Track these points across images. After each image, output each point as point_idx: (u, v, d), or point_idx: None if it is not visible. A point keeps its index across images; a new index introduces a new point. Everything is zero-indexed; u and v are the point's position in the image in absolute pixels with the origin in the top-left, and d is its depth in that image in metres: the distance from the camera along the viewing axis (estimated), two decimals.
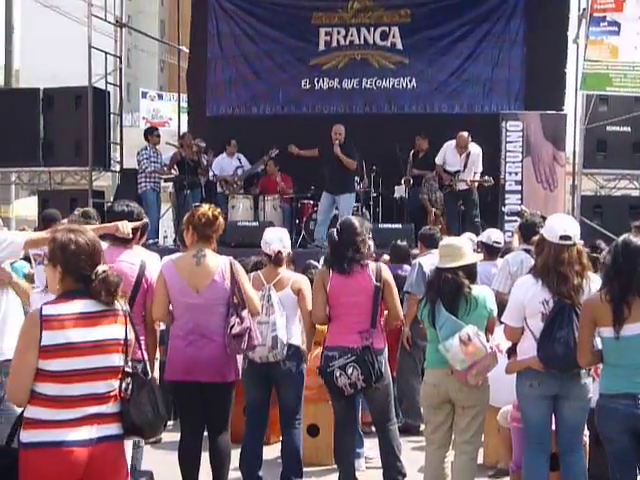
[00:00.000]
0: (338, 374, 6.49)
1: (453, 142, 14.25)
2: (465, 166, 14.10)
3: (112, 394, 4.11)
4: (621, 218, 13.13)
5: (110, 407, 4.10)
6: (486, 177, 14.21)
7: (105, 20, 16.78)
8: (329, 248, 6.88)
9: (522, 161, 14.95)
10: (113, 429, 4.10)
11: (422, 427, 8.23)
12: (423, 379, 6.46)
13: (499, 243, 9.25)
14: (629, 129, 13.93)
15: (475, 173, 14.19)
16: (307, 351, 7.03)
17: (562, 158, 15.20)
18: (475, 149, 14.24)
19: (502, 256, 9.00)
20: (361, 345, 6.50)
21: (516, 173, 15.00)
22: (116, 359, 4.10)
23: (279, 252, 6.92)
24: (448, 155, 14.28)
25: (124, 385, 4.11)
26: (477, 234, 11.54)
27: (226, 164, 15.85)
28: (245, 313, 6.07)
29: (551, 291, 5.60)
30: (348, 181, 14.25)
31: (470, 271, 6.20)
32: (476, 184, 14.16)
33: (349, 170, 14.13)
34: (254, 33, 17.86)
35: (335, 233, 6.72)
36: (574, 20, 16.23)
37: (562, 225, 5.76)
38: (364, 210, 15.23)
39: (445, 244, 6.38)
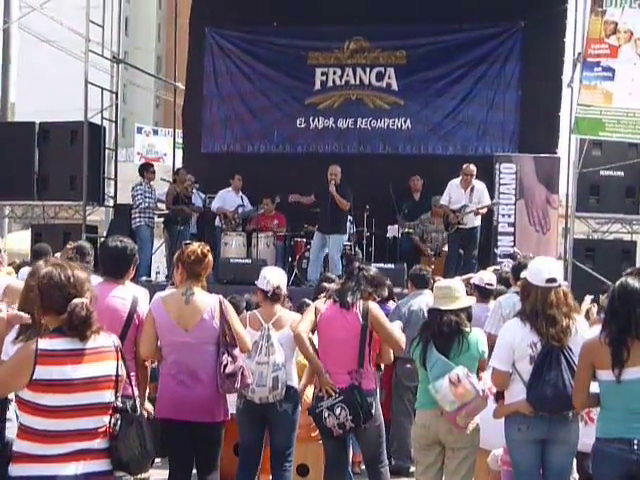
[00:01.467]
0: (326, 414, 6.48)
1: (456, 180, 14.28)
2: (471, 200, 14.13)
3: (101, 430, 4.10)
4: (614, 262, 13.19)
5: (99, 443, 4.09)
6: (492, 201, 14.29)
7: (102, 56, 16.85)
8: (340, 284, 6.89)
9: (515, 203, 15.02)
10: (101, 465, 4.09)
11: (412, 469, 8.22)
12: (415, 420, 6.45)
13: (491, 285, 9.25)
14: (622, 174, 13.99)
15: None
16: (303, 391, 7.02)
17: (555, 201, 15.25)
18: (479, 184, 14.28)
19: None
20: (349, 385, 6.50)
21: (509, 215, 15.05)
22: (107, 395, 4.09)
23: (278, 287, 6.90)
24: (452, 193, 14.26)
25: (113, 421, 4.11)
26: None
27: (230, 199, 15.82)
28: (237, 352, 6.06)
29: (539, 334, 5.59)
30: (340, 222, 14.24)
31: (468, 313, 6.23)
32: (479, 218, 14.22)
33: (342, 211, 14.14)
34: (250, 71, 17.99)
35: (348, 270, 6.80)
36: (569, 64, 16.36)
37: (547, 268, 5.78)
38: (357, 250, 15.25)
39: (442, 286, 6.39)
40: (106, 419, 4.10)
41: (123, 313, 5.95)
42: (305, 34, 17.59)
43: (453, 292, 6.27)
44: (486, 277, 9.33)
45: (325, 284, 10.19)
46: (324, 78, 17.69)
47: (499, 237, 15.01)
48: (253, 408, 6.70)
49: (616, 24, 13.05)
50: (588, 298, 9.59)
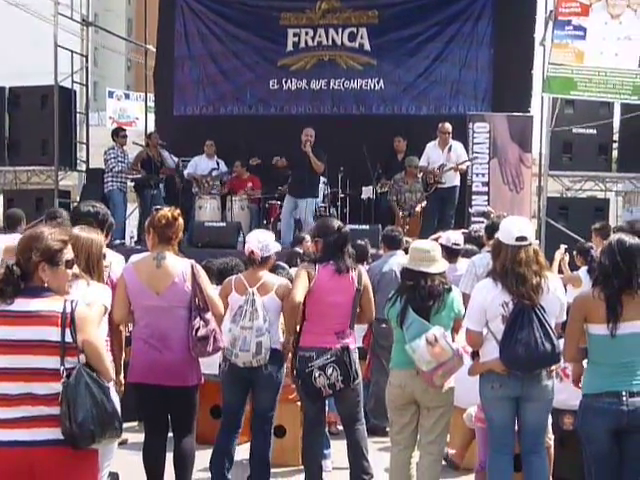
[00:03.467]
0: (317, 374, 6.49)
1: (434, 142, 14.35)
2: (449, 160, 14.17)
3: (52, 397, 4.01)
4: (586, 220, 13.17)
5: (52, 409, 4.01)
6: (470, 156, 14.37)
7: (72, 19, 16.65)
8: (323, 246, 6.83)
9: (489, 162, 15.01)
10: (56, 433, 4.01)
11: (388, 428, 8.28)
12: (388, 380, 6.48)
13: (458, 245, 9.30)
14: (595, 132, 14.01)
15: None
16: (287, 353, 7.01)
17: (528, 160, 15.28)
18: (456, 144, 14.36)
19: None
20: (339, 345, 6.53)
21: (483, 174, 15.05)
22: (49, 361, 3.98)
23: (252, 252, 6.87)
24: (431, 154, 14.33)
25: (62, 387, 3.99)
26: None
27: (202, 164, 15.76)
28: (209, 315, 6.05)
29: (510, 293, 5.62)
30: (314, 185, 14.24)
31: (446, 276, 6.28)
32: (459, 174, 14.31)
33: (316, 174, 14.11)
34: (222, 33, 17.86)
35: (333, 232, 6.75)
36: (541, 22, 16.34)
37: (517, 226, 5.81)
38: (331, 211, 15.25)
39: (420, 248, 6.34)
40: (57, 386, 4.00)
41: None
42: None
43: (433, 254, 6.26)
44: (453, 237, 9.38)
45: (297, 248, 10.23)
46: (296, 39, 17.59)
47: (473, 196, 15.00)
48: (237, 371, 6.70)
49: None
50: (562, 247, 9.67)
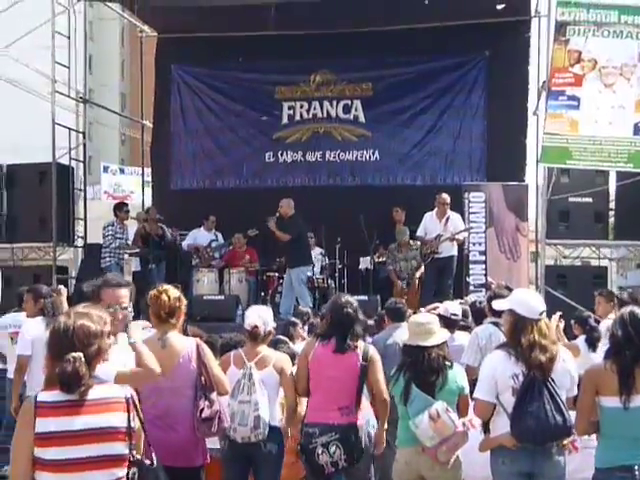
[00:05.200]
0: (320, 451, 6.43)
1: (431, 212, 14.44)
2: (446, 230, 14.27)
3: None
4: (585, 288, 13.22)
5: None
6: (466, 226, 14.44)
7: (69, 96, 16.76)
8: (329, 321, 6.81)
9: (485, 232, 15.05)
10: None
11: None
12: (395, 457, 6.42)
13: (457, 315, 9.23)
14: (591, 200, 14.10)
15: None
16: (286, 430, 6.96)
17: (525, 228, 15.31)
18: (454, 215, 14.46)
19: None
20: (345, 423, 6.47)
21: (480, 244, 15.09)
22: (117, 447, 4.01)
23: (256, 326, 6.86)
24: (428, 224, 14.43)
25: (130, 474, 4.03)
26: None
27: (201, 236, 15.90)
28: (214, 396, 6.00)
29: (527, 365, 5.57)
30: (294, 254, 14.23)
31: (446, 348, 6.26)
32: (456, 245, 14.36)
33: (291, 242, 14.11)
34: (217, 107, 18.06)
35: (333, 309, 6.71)
36: (534, 92, 16.53)
37: (538, 301, 5.82)
38: (329, 282, 15.25)
39: (418, 322, 6.37)
40: (119, 472, 4.02)
41: None
42: (271, 68, 17.66)
43: (431, 327, 6.29)
44: (451, 307, 9.32)
45: (293, 318, 10.18)
46: (291, 112, 17.80)
47: (471, 266, 15.04)
48: (236, 448, 6.64)
49: (580, 53, 13.16)
50: (557, 314, 9.62)
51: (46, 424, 3.91)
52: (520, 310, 5.70)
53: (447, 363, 6.21)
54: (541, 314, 5.72)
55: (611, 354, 5.26)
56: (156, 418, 5.93)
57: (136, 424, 4.08)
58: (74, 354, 4.00)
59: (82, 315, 4.17)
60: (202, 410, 5.91)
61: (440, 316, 8.59)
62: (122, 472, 4.02)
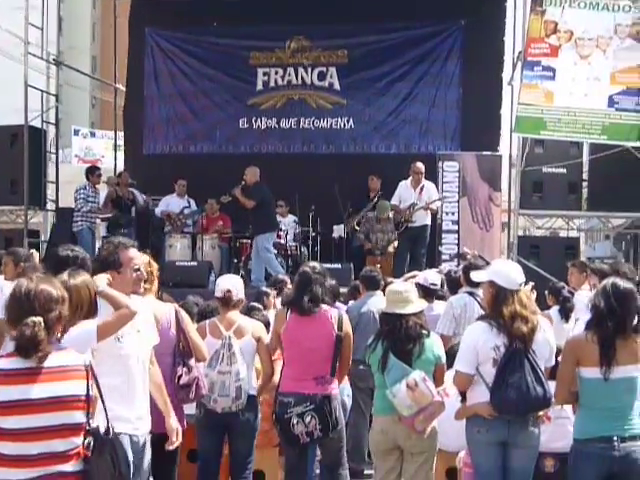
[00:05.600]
0: (295, 421, 6.43)
1: (406, 181, 14.43)
2: (420, 199, 14.28)
3: (72, 452, 3.97)
4: (558, 258, 13.30)
5: (72, 465, 3.97)
6: (440, 196, 14.43)
7: (42, 59, 16.55)
8: (294, 287, 6.86)
9: (458, 201, 15.08)
10: None
11: (366, 471, 8.21)
12: (371, 425, 6.44)
13: (436, 285, 9.22)
14: (565, 171, 14.12)
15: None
16: (260, 398, 6.97)
17: (498, 198, 15.35)
18: (429, 184, 14.48)
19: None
20: (319, 393, 6.47)
21: (453, 213, 15.12)
22: (76, 416, 3.96)
23: (228, 290, 6.85)
24: (403, 193, 14.44)
25: (85, 443, 3.98)
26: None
27: (174, 203, 15.81)
28: (192, 362, 5.99)
29: (510, 335, 5.58)
30: (257, 221, 14.21)
31: (423, 317, 6.27)
32: (429, 214, 14.44)
33: (255, 209, 14.08)
34: (191, 72, 17.91)
35: (300, 274, 6.74)
36: (509, 62, 16.54)
37: (517, 272, 5.82)
38: (302, 249, 15.24)
39: (396, 290, 6.38)
40: (77, 440, 3.98)
41: None
42: (246, 34, 17.50)
43: (408, 295, 6.29)
44: (430, 277, 9.32)
45: (264, 288, 10.16)
46: (266, 78, 17.70)
47: (443, 235, 15.07)
48: (214, 417, 6.63)
49: (556, 24, 13.16)
50: (529, 285, 9.67)
51: (5, 392, 3.84)
52: (500, 281, 5.71)
53: (424, 332, 6.22)
54: (520, 285, 5.74)
55: (592, 325, 5.29)
56: None
57: (94, 392, 4.03)
58: (33, 318, 3.93)
59: (44, 280, 4.11)
60: (180, 376, 5.90)
61: (419, 285, 8.65)
62: (80, 440, 3.98)
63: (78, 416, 3.97)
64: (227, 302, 6.87)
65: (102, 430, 4.08)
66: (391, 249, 14.45)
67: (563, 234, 16.80)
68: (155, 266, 6.19)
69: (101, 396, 4.14)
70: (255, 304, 9.03)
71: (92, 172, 15.29)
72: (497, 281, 5.73)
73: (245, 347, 6.73)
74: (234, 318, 6.85)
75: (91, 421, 4.02)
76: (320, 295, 6.61)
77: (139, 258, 5.40)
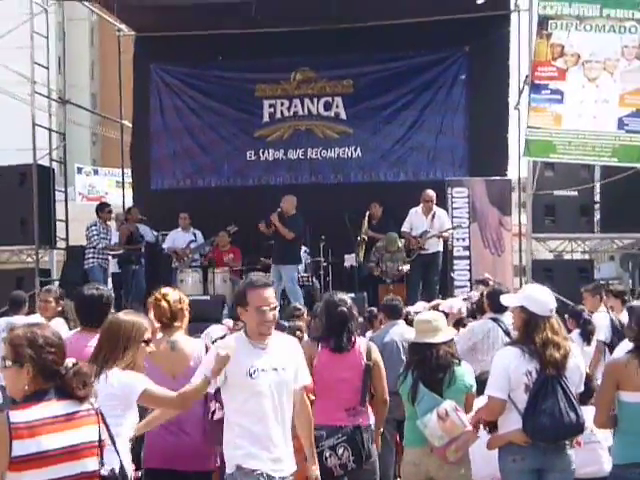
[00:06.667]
0: (328, 454, 6.33)
1: (417, 208, 14.37)
2: (432, 226, 14.23)
3: None
4: (572, 281, 13.27)
5: None
6: (453, 225, 14.41)
7: (48, 97, 16.58)
8: (324, 322, 6.72)
9: (469, 227, 15.06)
10: None
11: None
12: (403, 457, 6.36)
13: (461, 313, 9.20)
14: (576, 193, 14.10)
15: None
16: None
17: (508, 223, 15.35)
18: (440, 211, 14.43)
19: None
20: (351, 424, 6.38)
21: (464, 239, 15.12)
22: (90, 463, 3.83)
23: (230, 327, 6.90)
24: (414, 220, 14.38)
25: None
26: (431, 300, 11.59)
27: (179, 237, 15.75)
28: None
29: (542, 362, 5.52)
30: (289, 252, 14.14)
31: (453, 345, 6.22)
32: (441, 241, 14.39)
33: (290, 241, 14.05)
34: (197, 106, 17.95)
35: (327, 308, 6.63)
36: (514, 87, 16.56)
37: (549, 298, 5.76)
38: (314, 280, 15.19)
39: (424, 319, 6.33)
40: None
41: None
42: (251, 66, 17.60)
43: (437, 324, 6.24)
44: (455, 305, 9.29)
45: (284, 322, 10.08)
46: (272, 110, 17.73)
47: (455, 261, 15.07)
48: None
49: (563, 47, 13.19)
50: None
51: (24, 446, 3.66)
52: (532, 307, 5.65)
53: (455, 360, 6.16)
54: (552, 310, 5.69)
55: (633, 349, 5.24)
56: (168, 422, 5.84)
57: (105, 436, 3.93)
58: (72, 359, 3.90)
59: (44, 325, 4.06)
60: (214, 412, 5.83)
61: (445, 314, 8.58)
62: None
63: (92, 464, 3.85)
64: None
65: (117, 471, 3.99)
66: (398, 271, 14.36)
67: (567, 256, 16.77)
68: (186, 302, 6.15)
69: (111, 438, 4.05)
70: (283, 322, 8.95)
71: (102, 209, 15.28)
72: (529, 307, 5.67)
73: None
74: None
75: (103, 468, 3.89)
76: (354, 330, 6.56)
77: (274, 297, 5.23)
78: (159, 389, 4.85)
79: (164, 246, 15.74)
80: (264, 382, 5.03)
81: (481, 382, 6.14)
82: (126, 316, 5.01)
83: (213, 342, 7.51)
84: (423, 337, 6.18)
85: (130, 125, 18.80)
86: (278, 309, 5.26)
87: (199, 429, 5.87)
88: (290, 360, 5.20)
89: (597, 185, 14.58)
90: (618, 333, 9.99)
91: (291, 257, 14.18)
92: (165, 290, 6.22)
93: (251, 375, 5.00)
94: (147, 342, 4.74)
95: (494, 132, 16.71)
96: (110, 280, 15.76)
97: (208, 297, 14.37)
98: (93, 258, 14.75)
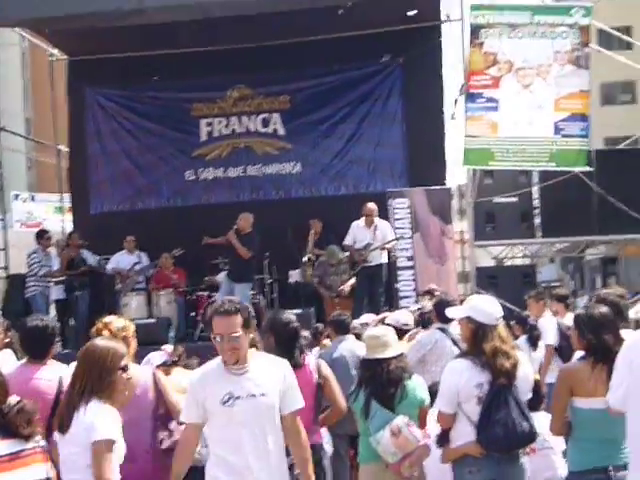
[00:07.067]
0: None
1: (359, 221, 14.37)
2: (375, 238, 14.21)
3: None
4: (516, 287, 13.39)
5: None
6: (396, 236, 14.45)
7: None
8: (275, 342, 6.64)
9: (412, 237, 15.11)
10: None
11: None
12: (358, 473, 6.34)
13: (408, 325, 9.16)
14: (516, 200, 14.22)
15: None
16: None
17: (450, 231, 15.43)
18: (382, 222, 14.44)
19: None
20: None
21: (407, 249, 15.14)
22: None
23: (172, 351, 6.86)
24: (357, 233, 14.36)
25: None
26: (377, 312, 11.63)
27: (124, 260, 15.59)
28: (174, 425, 5.85)
29: (492, 372, 5.53)
30: (245, 270, 14.10)
31: (404, 359, 6.21)
32: (385, 252, 14.36)
33: (245, 259, 14.01)
34: (134, 128, 17.80)
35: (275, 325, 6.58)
36: (449, 96, 16.72)
37: (495, 307, 5.77)
38: (259, 297, 15.13)
39: (373, 335, 6.32)
40: None
41: (50, 395, 5.72)
42: (186, 86, 17.47)
43: (387, 339, 6.24)
44: (402, 318, 9.27)
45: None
46: (210, 129, 17.63)
47: (399, 272, 15.07)
48: (199, 472, 6.48)
49: (495, 55, 13.35)
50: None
51: None
52: (479, 317, 5.65)
53: (406, 375, 6.15)
54: (498, 319, 5.70)
55: (587, 355, 5.27)
56: None
57: (52, 474, 3.88)
58: (15, 397, 3.85)
59: None
60: (162, 441, 5.76)
61: (391, 327, 8.57)
62: None
63: None
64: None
65: None
66: (347, 288, 14.40)
67: (508, 262, 16.94)
68: (131, 329, 6.06)
69: (58, 476, 3.94)
70: None
71: (42, 236, 15.11)
72: (476, 317, 5.67)
73: None
74: (180, 376, 6.84)
75: None
76: (303, 347, 6.53)
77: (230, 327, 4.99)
78: (112, 456, 4.60)
79: (108, 267, 15.57)
80: (239, 410, 4.90)
81: (433, 393, 6.14)
82: (101, 342, 4.80)
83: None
84: (373, 353, 6.18)
85: (67, 149, 18.58)
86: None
87: (149, 457, 5.77)
88: (273, 385, 5.05)
89: (536, 190, 14.69)
90: (566, 336, 10.13)
91: (246, 275, 14.14)
92: (108, 319, 6.12)
93: (225, 402, 4.89)
94: (124, 369, 4.56)
95: (432, 142, 16.75)
96: (53, 307, 15.62)
97: (153, 320, 14.25)
98: (35, 286, 14.60)
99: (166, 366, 6.84)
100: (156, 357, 7.02)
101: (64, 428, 4.29)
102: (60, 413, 4.25)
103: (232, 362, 4.98)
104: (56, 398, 5.74)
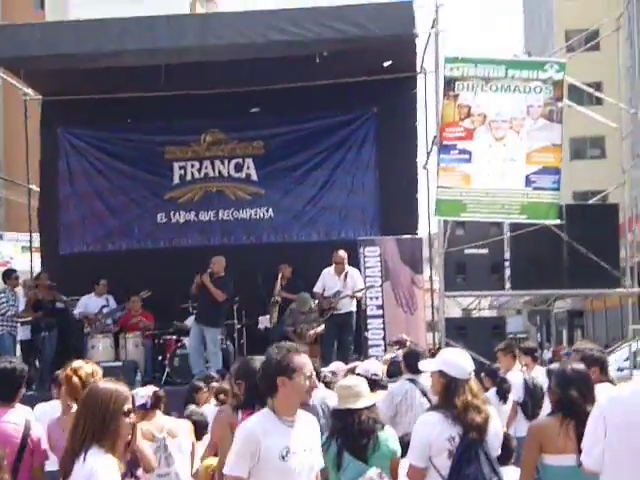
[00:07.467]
0: None
1: (329, 268, 14.39)
2: (345, 286, 14.22)
3: None
4: (485, 338, 13.40)
5: None
6: (367, 285, 14.45)
7: None
8: (246, 389, 6.53)
9: (382, 286, 15.12)
10: None
11: None
12: None
13: (377, 375, 9.11)
14: (486, 251, 14.24)
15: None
16: None
17: (420, 281, 15.47)
18: (353, 270, 14.49)
19: None
20: None
21: (377, 298, 15.17)
22: None
23: (156, 391, 6.75)
24: (327, 281, 14.39)
25: None
26: (346, 360, 11.62)
27: (92, 303, 15.47)
28: (140, 472, 5.80)
29: (464, 426, 5.50)
30: (216, 314, 14.09)
31: (376, 410, 6.17)
32: (355, 300, 14.40)
33: (217, 303, 13.95)
34: (106, 169, 17.72)
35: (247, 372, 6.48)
36: (423, 147, 16.81)
37: (467, 362, 5.74)
38: (227, 342, 15.06)
39: (346, 385, 6.30)
40: None
41: (16, 439, 5.66)
42: (160, 129, 17.48)
43: (359, 390, 6.20)
44: (372, 367, 9.23)
45: (197, 382, 9.98)
46: (182, 172, 17.60)
47: (369, 320, 15.10)
48: None
49: (469, 107, 13.45)
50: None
51: None
52: (451, 371, 5.63)
53: (378, 425, 6.11)
54: (470, 374, 5.69)
55: (556, 411, 5.26)
56: None
57: None
58: None
59: None
60: None
61: (361, 376, 8.53)
62: None
63: None
64: (157, 402, 6.75)
65: None
66: (312, 333, 14.36)
67: (475, 312, 17.00)
68: (99, 374, 6.00)
69: None
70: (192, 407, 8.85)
71: (9, 275, 15.00)
72: (447, 371, 5.65)
73: (180, 447, 6.62)
74: (162, 419, 6.74)
75: None
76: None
77: (311, 364, 4.95)
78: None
79: (76, 311, 15.45)
80: (294, 465, 4.72)
81: (404, 444, 6.08)
82: (104, 385, 4.56)
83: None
84: (345, 403, 6.14)
85: (37, 189, 18.47)
86: None
87: None
88: (315, 441, 4.96)
89: (506, 242, 14.75)
90: (531, 392, 10.17)
91: (216, 320, 14.14)
92: (76, 364, 6.08)
93: (283, 457, 4.69)
94: (128, 413, 4.43)
95: (404, 191, 16.84)
96: (19, 347, 15.46)
97: (120, 363, 14.15)
98: (2, 326, 14.44)
99: (145, 409, 6.75)
100: (139, 396, 6.90)
101: (65, 476, 4.21)
102: (62, 460, 4.16)
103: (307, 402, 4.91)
104: (22, 442, 5.67)
